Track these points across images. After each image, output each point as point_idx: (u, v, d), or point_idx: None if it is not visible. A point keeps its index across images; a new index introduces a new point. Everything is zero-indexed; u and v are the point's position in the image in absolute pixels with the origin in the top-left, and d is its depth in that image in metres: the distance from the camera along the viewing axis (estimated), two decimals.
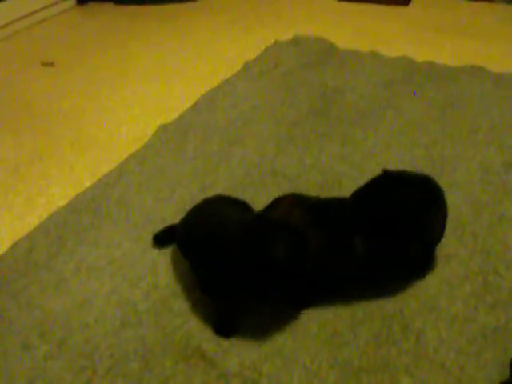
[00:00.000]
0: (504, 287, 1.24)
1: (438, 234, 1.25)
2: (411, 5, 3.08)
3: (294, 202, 1.19)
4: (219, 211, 1.25)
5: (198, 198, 1.40)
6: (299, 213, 1.14)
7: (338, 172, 1.64)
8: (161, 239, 1.40)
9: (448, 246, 1.34)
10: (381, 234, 1.15)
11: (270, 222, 1.09)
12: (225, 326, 1.16)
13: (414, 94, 2.03)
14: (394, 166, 1.35)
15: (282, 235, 1.03)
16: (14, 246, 1.42)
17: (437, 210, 1.21)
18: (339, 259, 1.16)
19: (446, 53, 2.44)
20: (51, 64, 2.48)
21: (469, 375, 1.06)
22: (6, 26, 2.81)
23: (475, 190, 1.54)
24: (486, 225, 1.42)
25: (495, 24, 2.78)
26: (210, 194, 1.43)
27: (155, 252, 1.38)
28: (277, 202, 1.24)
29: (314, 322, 1.18)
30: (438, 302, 1.21)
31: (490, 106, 1.97)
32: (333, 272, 1.19)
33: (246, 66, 2.34)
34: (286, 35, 2.62)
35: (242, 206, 1.30)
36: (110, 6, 3.26)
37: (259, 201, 1.42)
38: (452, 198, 1.39)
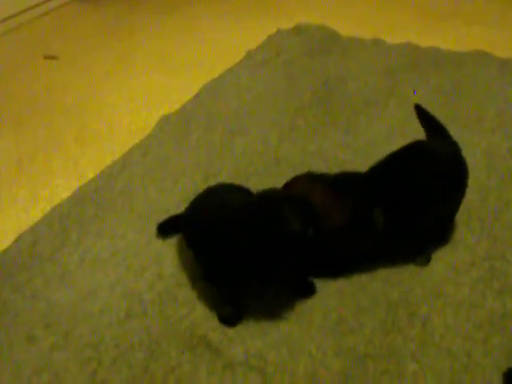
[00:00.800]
0: (511, 273, 1.23)
1: (455, 203, 1.27)
2: None
3: (313, 179, 1.17)
4: (223, 199, 1.25)
5: (202, 187, 1.38)
6: (321, 188, 1.13)
7: (341, 160, 1.63)
8: (165, 229, 1.39)
9: (455, 232, 1.33)
10: (398, 206, 1.16)
11: (272, 196, 1.08)
12: (230, 314, 1.16)
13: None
14: None
15: (284, 208, 1.02)
16: (19, 239, 1.42)
17: (456, 180, 1.25)
18: (361, 233, 1.16)
19: (450, 39, 2.41)
20: (54, 57, 2.47)
21: (476, 361, 1.05)
22: (8, 19, 2.80)
23: (481, 175, 1.53)
24: (493, 210, 1.41)
25: (499, 9, 2.75)
26: (213, 183, 1.42)
27: (159, 242, 1.37)
28: (295, 181, 1.20)
29: (319, 309, 1.17)
30: (444, 288, 1.20)
31: (495, 91, 1.95)
32: (353, 246, 1.20)
33: (249, 56, 2.33)
34: (288, 24, 2.59)
35: (245, 193, 1.30)
36: None
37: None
38: None
